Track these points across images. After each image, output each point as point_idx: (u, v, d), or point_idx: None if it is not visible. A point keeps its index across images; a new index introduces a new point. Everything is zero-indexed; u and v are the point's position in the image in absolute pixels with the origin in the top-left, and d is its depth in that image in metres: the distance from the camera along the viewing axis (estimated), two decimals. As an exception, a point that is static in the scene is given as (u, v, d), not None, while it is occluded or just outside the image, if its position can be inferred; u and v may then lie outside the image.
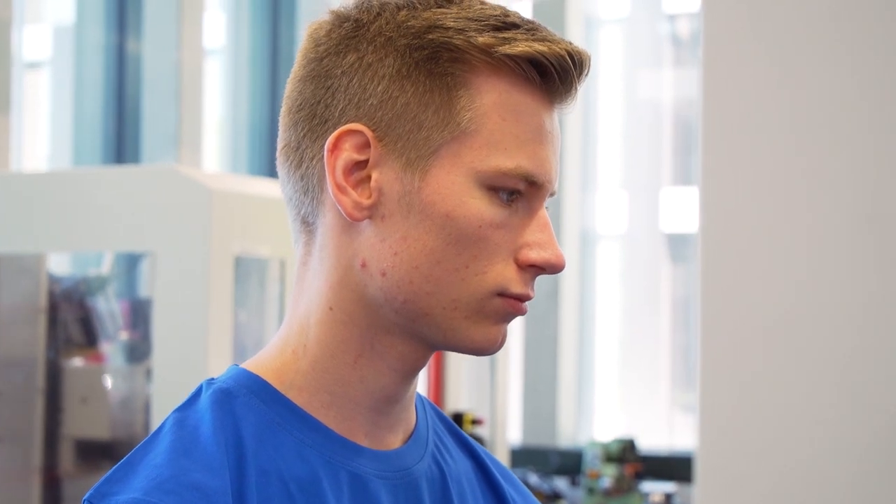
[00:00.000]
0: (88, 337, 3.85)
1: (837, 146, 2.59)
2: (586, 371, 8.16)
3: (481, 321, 1.21)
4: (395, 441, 1.28)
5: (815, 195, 2.58)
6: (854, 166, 2.56)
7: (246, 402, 1.23)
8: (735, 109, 2.69)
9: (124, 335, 3.98)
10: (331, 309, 1.23)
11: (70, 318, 3.82)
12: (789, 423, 2.46)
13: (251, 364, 1.27)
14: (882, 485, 2.44)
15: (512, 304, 1.22)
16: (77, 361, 3.83)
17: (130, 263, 4.36)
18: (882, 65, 2.60)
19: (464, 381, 4.79)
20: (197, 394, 1.25)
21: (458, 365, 4.69)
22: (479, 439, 4.65)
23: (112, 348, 3.94)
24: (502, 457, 4.83)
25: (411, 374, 1.26)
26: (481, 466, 1.39)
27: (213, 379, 1.26)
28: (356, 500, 1.22)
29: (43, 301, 3.73)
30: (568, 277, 7.90)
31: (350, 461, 1.23)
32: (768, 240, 2.57)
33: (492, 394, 4.82)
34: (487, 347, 1.23)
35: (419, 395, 1.34)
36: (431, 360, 4.60)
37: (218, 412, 1.21)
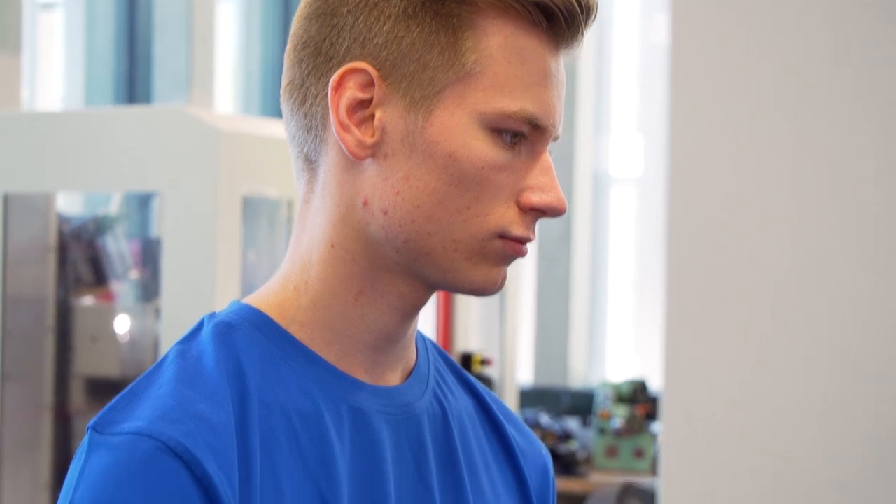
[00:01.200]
0: (97, 276, 3.86)
1: (812, 103, 2.57)
2: (598, 313, 8.18)
3: (481, 262, 1.22)
4: (394, 378, 1.29)
5: (787, 146, 2.56)
6: (828, 129, 2.54)
7: (248, 335, 1.23)
8: (704, 58, 2.68)
9: (134, 274, 4.00)
10: (332, 246, 1.24)
11: (79, 258, 3.82)
12: (756, 367, 2.46)
13: (253, 299, 1.28)
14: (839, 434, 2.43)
15: (513, 246, 1.22)
16: (87, 300, 3.85)
17: (142, 203, 4.37)
18: (854, 24, 2.58)
19: (473, 322, 4.80)
20: (199, 327, 1.26)
21: (468, 305, 4.70)
22: (488, 380, 4.67)
23: (122, 287, 3.95)
24: (511, 397, 4.85)
25: (412, 313, 1.26)
26: (482, 405, 1.40)
27: (214, 313, 1.27)
28: (357, 434, 1.23)
29: (52, 240, 3.74)
30: (580, 220, 7.90)
31: (351, 396, 1.24)
32: (738, 192, 2.55)
33: (501, 334, 4.83)
34: (487, 288, 1.24)
35: (420, 334, 1.35)
36: (440, 301, 4.61)
37: (220, 345, 1.22)
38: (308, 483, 1.19)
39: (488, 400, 1.40)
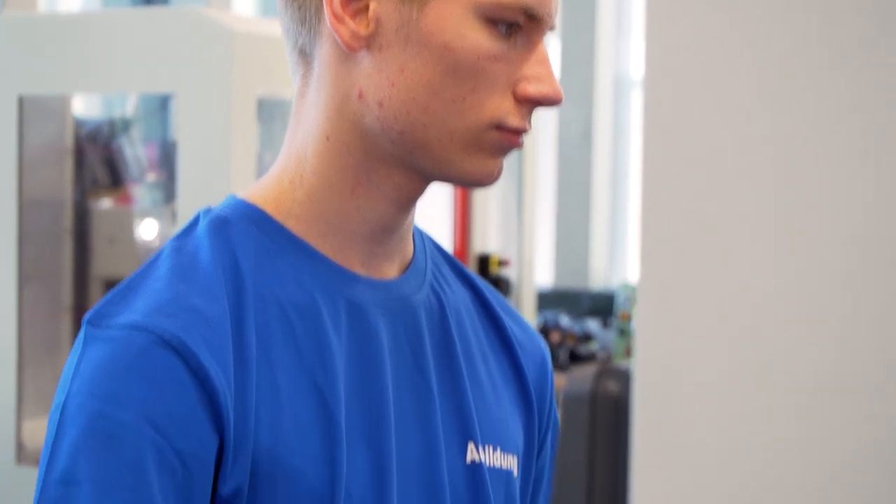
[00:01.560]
0: (114, 179, 3.87)
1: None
2: (619, 214, 8.16)
3: (477, 153, 1.21)
4: (391, 271, 1.29)
5: (770, 58, 2.52)
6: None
7: (243, 229, 1.23)
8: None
9: (151, 177, 4.00)
10: (328, 139, 1.23)
11: (95, 160, 3.82)
12: (729, 261, 2.45)
13: (249, 194, 1.27)
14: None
15: (508, 137, 1.21)
16: (105, 203, 3.85)
17: (160, 106, 4.35)
18: None
19: (491, 223, 4.78)
20: (194, 222, 1.25)
21: (486, 206, 4.68)
22: (506, 281, 4.66)
23: (140, 190, 3.96)
24: (529, 298, 4.84)
25: (408, 204, 1.26)
26: (480, 298, 1.39)
27: (210, 208, 1.27)
28: (354, 326, 1.23)
29: (69, 143, 3.74)
30: (601, 122, 7.85)
31: (348, 289, 1.24)
32: (716, 91, 2.52)
33: (519, 236, 4.81)
34: (483, 179, 1.23)
35: (417, 229, 1.35)
36: (458, 202, 4.60)
37: (216, 239, 1.22)
38: (304, 375, 1.19)
39: (486, 293, 1.40)
